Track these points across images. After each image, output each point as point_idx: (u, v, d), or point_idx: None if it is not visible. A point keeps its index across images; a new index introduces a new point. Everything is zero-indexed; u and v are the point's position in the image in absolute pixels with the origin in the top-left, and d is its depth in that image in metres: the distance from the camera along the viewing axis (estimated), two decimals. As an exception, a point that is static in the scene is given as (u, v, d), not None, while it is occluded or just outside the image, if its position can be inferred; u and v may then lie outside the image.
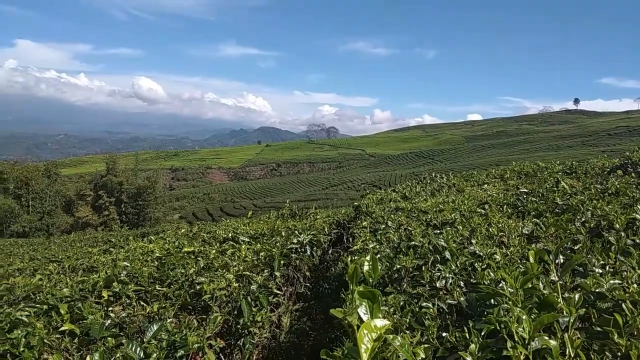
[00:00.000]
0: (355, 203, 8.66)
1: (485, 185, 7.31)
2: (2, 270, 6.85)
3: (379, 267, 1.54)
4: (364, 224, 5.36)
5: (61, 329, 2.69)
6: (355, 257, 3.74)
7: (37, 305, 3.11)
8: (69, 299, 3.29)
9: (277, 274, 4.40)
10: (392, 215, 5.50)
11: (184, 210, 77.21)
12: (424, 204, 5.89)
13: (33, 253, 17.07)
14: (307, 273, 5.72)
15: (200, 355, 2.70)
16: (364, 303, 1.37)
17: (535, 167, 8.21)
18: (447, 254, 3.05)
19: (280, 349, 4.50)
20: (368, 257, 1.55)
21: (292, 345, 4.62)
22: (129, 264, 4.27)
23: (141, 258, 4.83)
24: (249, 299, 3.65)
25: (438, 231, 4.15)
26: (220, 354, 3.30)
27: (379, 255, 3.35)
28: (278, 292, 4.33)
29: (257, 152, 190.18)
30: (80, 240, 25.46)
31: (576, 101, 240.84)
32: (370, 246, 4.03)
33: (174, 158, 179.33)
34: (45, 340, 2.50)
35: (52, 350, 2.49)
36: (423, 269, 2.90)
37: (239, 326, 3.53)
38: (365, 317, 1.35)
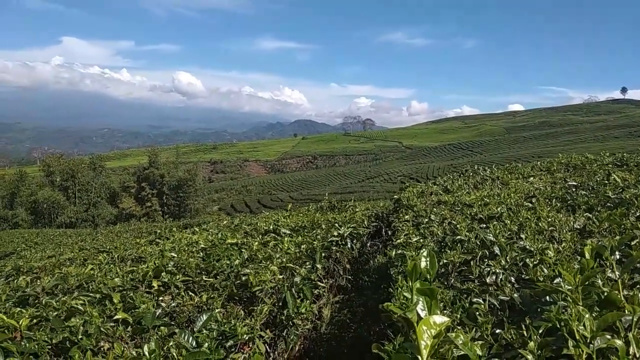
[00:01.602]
0: (395, 196, 8.58)
1: (531, 178, 7.10)
2: (54, 259, 7.15)
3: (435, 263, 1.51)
4: (406, 217, 5.30)
5: (115, 317, 2.78)
6: (399, 251, 3.71)
7: (91, 294, 3.23)
8: (120, 288, 3.40)
9: (319, 266, 4.42)
10: (435, 209, 5.42)
11: (223, 202, 78.61)
12: (467, 198, 5.77)
13: (82, 243, 17.72)
14: (347, 266, 5.73)
15: (249, 345, 2.75)
16: (421, 299, 1.35)
17: (584, 159, 7.90)
18: (496, 249, 2.98)
19: (321, 340, 4.53)
20: (425, 253, 1.53)
21: (332, 337, 4.64)
22: (175, 255, 4.37)
23: (186, 249, 4.94)
24: (293, 291, 3.69)
25: (484, 225, 4.06)
26: (265, 344, 3.35)
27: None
28: (320, 284, 4.35)
29: (294, 145, 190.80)
30: (126, 231, 26.24)
31: (624, 90, 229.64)
32: (414, 240, 3.99)
33: (212, 151, 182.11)
34: (101, 329, 2.60)
35: (108, 338, 2.58)
36: (471, 263, 2.84)
37: (283, 317, 3.57)
38: (422, 314, 1.33)
